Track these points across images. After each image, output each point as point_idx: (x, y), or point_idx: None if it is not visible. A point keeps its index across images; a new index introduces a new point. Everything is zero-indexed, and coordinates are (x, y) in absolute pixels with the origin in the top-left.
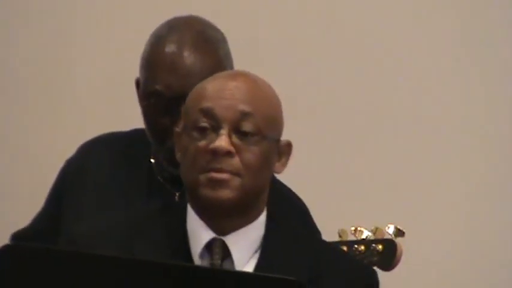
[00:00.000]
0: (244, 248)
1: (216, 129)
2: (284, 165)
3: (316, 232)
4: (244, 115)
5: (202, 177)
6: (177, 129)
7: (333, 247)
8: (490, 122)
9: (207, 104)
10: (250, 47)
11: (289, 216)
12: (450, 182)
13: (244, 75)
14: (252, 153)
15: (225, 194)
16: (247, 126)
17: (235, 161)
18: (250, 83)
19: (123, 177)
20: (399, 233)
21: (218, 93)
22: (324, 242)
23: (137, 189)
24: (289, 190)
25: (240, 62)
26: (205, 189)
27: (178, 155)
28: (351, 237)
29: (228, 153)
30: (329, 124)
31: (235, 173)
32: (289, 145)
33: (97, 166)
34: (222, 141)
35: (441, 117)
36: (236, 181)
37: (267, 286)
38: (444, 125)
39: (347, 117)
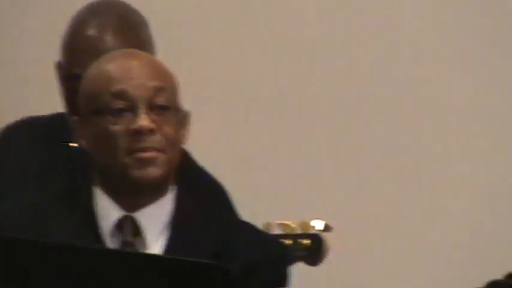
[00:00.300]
0: (155, 224)
1: (133, 109)
2: (186, 134)
3: (234, 214)
4: (157, 91)
5: (129, 159)
6: (76, 117)
7: (244, 222)
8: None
9: (118, 87)
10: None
11: (204, 194)
12: (388, 175)
13: (139, 53)
14: (170, 127)
15: (154, 171)
16: (162, 101)
17: (158, 138)
18: (149, 60)
19: (43, 160)
20: (327, 228)
21: (125, 73)
22: (235, 217)
23: (57, 172)
24: (209, 174)
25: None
26: (134, 170)
27: (83, 143)
28: (277, 231)
29: (151, 131)
30: (267, 110)
31: (159, 150)
32: (188, 114)
33: (18, 149)
34: (144, 120)
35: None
36: (162, 157)
37: (187, 270)
38: (396, 111)
39: (283, 104)
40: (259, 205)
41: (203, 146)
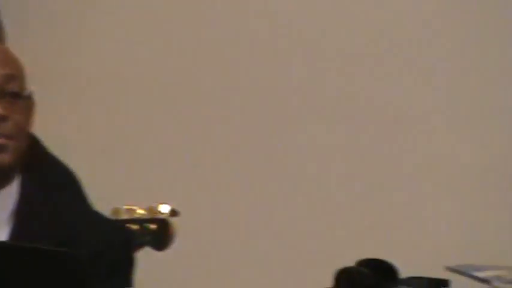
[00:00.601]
0: (0, 213)
1: None
2: (32, 122)
3: (85, 200)
4: (8, 78)
5: None
6: None
7: (91, 210)
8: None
9: None
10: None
11: (54, 181)
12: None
13: None
14: (21, 114)
15: (5, 158)
16: (14, 89)
17: (9, 125)
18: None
19: None
20: (173, 212)
21: None
22: (82, 205)
23: None
24: (59, 160)
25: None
26: None
27: None
28: (125, 216)
29: (3, 118)
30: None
31: (10, 137)
32: (34, 102)
33: None
34: None
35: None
36: (12, 145)
37: (37, 257)
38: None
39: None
40: (108, 190)
41: (55, 133)
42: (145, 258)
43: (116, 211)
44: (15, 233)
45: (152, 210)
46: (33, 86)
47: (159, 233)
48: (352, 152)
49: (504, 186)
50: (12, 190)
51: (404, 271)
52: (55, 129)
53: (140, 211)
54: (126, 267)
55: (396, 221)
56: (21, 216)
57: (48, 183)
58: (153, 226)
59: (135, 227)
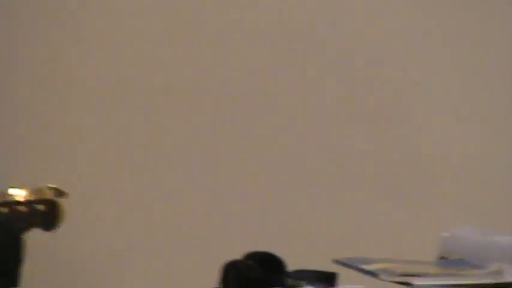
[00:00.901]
0: None
1: None
2: None
3: None
4: None
5: None
6: None
7: None
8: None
9: None
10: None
11: None
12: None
13: None
14: None
15: None
16: None
17: None
18: None
19: None
20: (60, 193)
21: None
22: None
23: None
24: None
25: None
26: None
27: None
28: (11, 198)
29: None
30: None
31: None
32: None
33: None
34: None
35: None
36: None
37: None
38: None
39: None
40: None
41: None
42: (34, 239)
43: (2, 194)
44: None
45: (40, 191)
46: None
47: (48, 214)
48: (245, 145)
49: (397, 181)
50: None
51: (293, 264)
52: None
53: (27, 192)
54: (13, 266)
55: (284, 213)
56: None
57: None
58: (41, 207)
59: (23, 208)
